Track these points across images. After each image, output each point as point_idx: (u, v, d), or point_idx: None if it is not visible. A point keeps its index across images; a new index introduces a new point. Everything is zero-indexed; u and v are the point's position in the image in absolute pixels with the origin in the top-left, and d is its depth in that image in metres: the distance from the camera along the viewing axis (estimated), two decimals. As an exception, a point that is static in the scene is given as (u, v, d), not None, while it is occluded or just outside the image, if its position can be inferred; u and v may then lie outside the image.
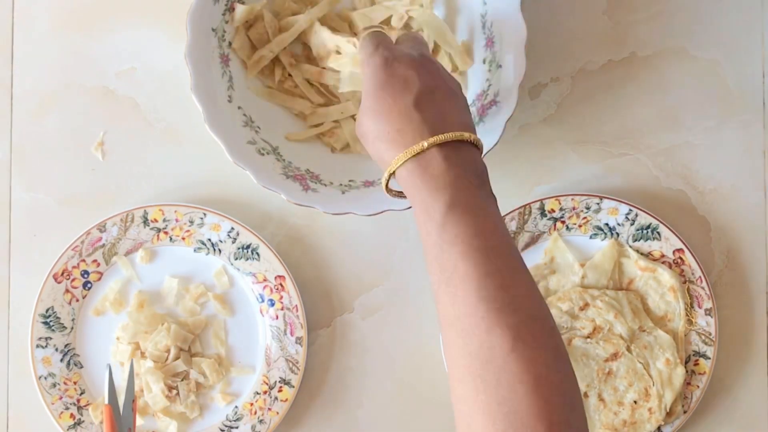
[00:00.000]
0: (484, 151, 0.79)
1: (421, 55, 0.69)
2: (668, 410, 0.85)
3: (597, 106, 0.88)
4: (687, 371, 0.86)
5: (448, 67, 0.85)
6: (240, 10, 0.82)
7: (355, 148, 0.85)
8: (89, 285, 0.86)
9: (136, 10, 0.88)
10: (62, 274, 0.85)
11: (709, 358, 0.86)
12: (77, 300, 0.85)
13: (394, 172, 0.65)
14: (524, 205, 0.85)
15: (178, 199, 0.87)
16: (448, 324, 0.60)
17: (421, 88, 0.66)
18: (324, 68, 0.85)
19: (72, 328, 0.85)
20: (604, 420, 0.85)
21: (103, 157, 0.88)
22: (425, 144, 0.64)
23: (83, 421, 0.84)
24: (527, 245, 0.86)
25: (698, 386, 0.86)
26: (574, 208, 0.86)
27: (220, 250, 0.86)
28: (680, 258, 0.86)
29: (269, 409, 0.85)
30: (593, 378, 0.85)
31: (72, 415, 0.84)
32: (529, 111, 0.88)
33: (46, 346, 0.84)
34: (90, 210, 0.87)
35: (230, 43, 0.83)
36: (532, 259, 0.86)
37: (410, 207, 0.79)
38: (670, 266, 0.86)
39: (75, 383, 0.85)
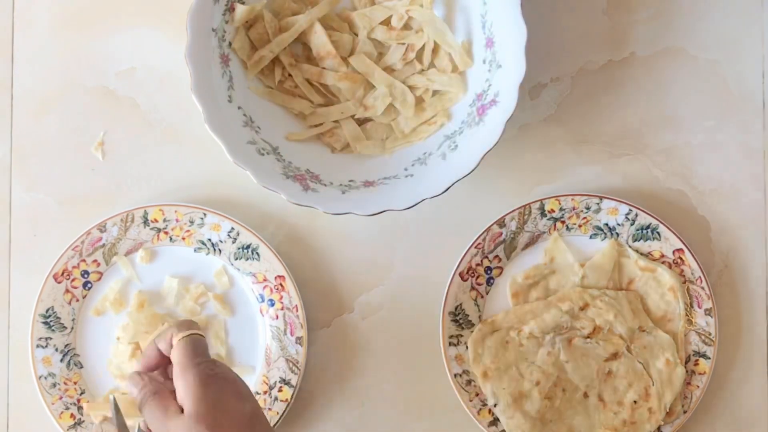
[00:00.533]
0: (485, 151, 0.79)
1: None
2: (668, 410, 0.85)
3: (597, 106, 0.88)
4: (687, 371, 0.86)
5: (449, 67, 0.85)
6: (240, 10, 0.82)
7: (355, 148, 0.85)
8: (89, 285, 0.86)
9: (136, 10, 0.88)
10: (62, 274, 0.85)
11: (709, 358, 0.86)
12: (77, 300, 0.85)
13: None
14: (524, 205, 0.85)
15: (178, 199, 0.87)
16: None
17: None
18: (324, 68, 0.85)
19: (72, 328, 0.85)
20: (604, 420, 0.85)
21: (103, 157, 0.88)
22: None
23: (83, 421, 0.84)
24: (527, 245, 0.86)
25: (698, 386, 0.86)
26: (574, 208, 0.86)
27: (220, 250, 0.86)
28: (680, 258, 0.86)
29: (269, 409, 0.85)
30: (593, 378, 0.85)
31: (72, 415, 0.84)
32: (529, 111, 0.88)
33: (46, 346, 0.84)
34: (90, 210, 0.87)
35: (230, 43, 0.83)
36: (532, 259, 0.87)
37: (410, 207, 0.79)
38: (670, 266, 0.86)
39: (75, 383, 0.85)
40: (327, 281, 0.87)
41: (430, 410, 0.87)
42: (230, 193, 0.87)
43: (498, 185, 0.88)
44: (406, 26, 0.86)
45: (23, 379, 0.86)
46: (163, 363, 0.72)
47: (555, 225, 0.86)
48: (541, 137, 0.88)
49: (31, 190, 0.87)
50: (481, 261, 0.86)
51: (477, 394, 0.85)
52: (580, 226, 0.86)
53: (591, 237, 0.87)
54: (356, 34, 0.86)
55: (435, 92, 0.86)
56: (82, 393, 0.85)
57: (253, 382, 0.85)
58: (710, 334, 0.86)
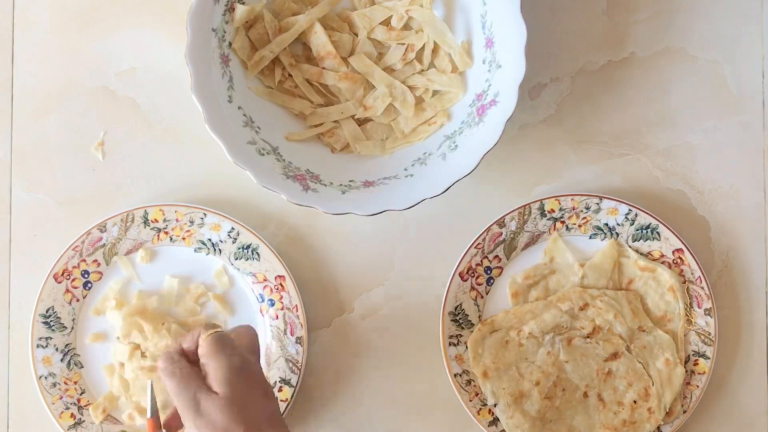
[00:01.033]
0: (485, 151, 0.79)
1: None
2: (668, 410, 0.85)
3: (597, 106, 0.88)
4: (686, 371, 0.86)
5: (448, 68, 0.85)
6: (240, 10, 0.82)
7: (355, 148, 0.85)
8: (89, 285, 0.86)
9: (136, 10, 0.88)
10: (62, 274, 0.85)
11: (709, 358, 0.86)
12: (77, 300, 0.85)
13: None
14: (524, 205, 0.85)
15: (178, 199, 0.87)
16: None
17: None
18: (324, 68, 0.85)
19: (72, 328, 0.85)
20: (604, 420, 0.85)
21: (103, 157, 0.88)
22: None
23: (83, 421, 0.85)
24: (527, 245, 0.86)
25: (698, 386, 0.86)
26: (573, 208, 0.86)
27: (220, 250, 0.86)
28: (680, 258, 0.86)
29: (269, 408, 0.85)
30: (593, 378, 0.85)
31: (72, 415, 0.84)
32: (529, 111, 0.88)
33: (46, 346, 0.84)
34: (90, 210, 0.87)
35: (230, 44, 0.83)
36: (532, 259, 0.87)
37: (410, 207, 0.79)
38: (669, 266, 0.86)
39: (75, 383, 0.85)
40: (327, 281, 0.88)
41: (430, 410, 0.87)
42: (230, 193, 0.87)
43: (498, 185, 0.88)
44: (406, 26, 0.86)
45: (23, 379, 0.86)
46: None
47: (555, 225, 0.86)
48: (540, 137, 0.88)
49: (31, 190, 0.87)
50: (481, 261, 0.86)
51: (477, 394, 0.85)
52: (579, 226, 0.86)
53: (591, 237, 0.87)
54: (356, 34, 0.86)
55: (435, 92, 0.86)
56: (82, 393, 0.85)
57: (253, 382, 0.85)
58: (710, 334, 0.86)
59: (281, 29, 0.84)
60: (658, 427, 0.86)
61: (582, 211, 0.86)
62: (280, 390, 0.85)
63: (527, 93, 0.88)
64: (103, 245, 0.85)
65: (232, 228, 0.85)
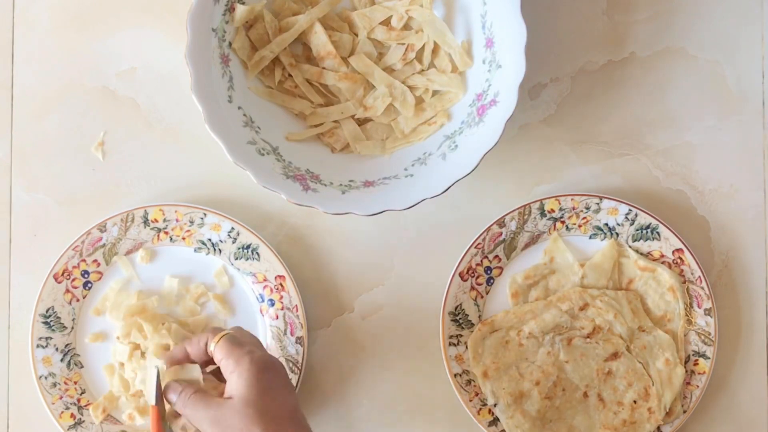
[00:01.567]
0: (485, 151, 0.79)
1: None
2: (668, 410, 0.85)
3: (597, 106, 0.88)
4: (686, 371, 0.86)
5: (448, 68, 0.85)
6: (240, 10, 0.82)
7: (355, 148, 0.85)
8: (89, 285, 0.86)
9: (136, 10, 0.88)
10: (62, 274, 0.85)
11: (709, 358, 0.86)
12: (77, 300, 0.85)
13: None
14: (524, 205, 0.85)
15: (178, 199, 0.87)
16: None
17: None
18: (324, 68, 0.85)
19: (72, 328, 0.85)
20: (604, 420, 0.85)
21: (103, 157, 0.88)
22: None
23: (83, 421, 0.85)
24: (527, 245, 0.86)
25: (698, 386, 0.86)
26: (573, 208, 0.86)
27: (220, 250, 0.86)
28: (680, 258, 0.86)
29: (269, 408, 0.85)
30: (593, 378, 0.85)
31: (72, 415, 0.84)
32: (529, 111, 0.88)
33: (46, 346, 0.84)
34: (90, 210, 0.87)
35: (230, 44, 0.83)
36: (532, 259, 0.87)
37: (410, 207, 0.79)
38: (669, 266, 0.86)
39: (75, 383, 0.85)
40: (327, 281, 0.88)
41: (430, 410, 0.87)
42: (230, 193, 0.87)
43: (498, 185, 0.88)
44: (406, 26, 0.86)
45: (23, 379, 0.86)
46: (188, 362, 0.76)
47: (555, 225, 0.86)
48: (541, 137, 0.88)
49: (31, 190, 0.87)
50: (481, 261, 0.86)
51: (477, 394, 0.85)
52: (579, 226, 0.86)
53: (591, 237, 0.87)
54: (356, 34, 0.86)
55: (435, 92, 0.86)
56: (82, 393, 0.85)
57: (253, 382, 0.85)
58: (710, 334, 0.86)
59: (281, 29, 0.84)
60: (658, 427, 0.85)
61: (582, 211, 0.86)
62: (280, 390, 0.85)
63: (527, 93, 0.88)
64: (103, 245, 0.85)
65: (232, 228, 0.85)
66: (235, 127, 0.81)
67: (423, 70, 0.86)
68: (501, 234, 0.85)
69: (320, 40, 0.84)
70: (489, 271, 0.86)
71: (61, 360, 0.85)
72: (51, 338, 0.85)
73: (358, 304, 0.88)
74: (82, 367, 0.86)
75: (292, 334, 0.85)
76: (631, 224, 0.86)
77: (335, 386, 0.87)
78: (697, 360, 0.86)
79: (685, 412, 0.86)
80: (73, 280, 0.85)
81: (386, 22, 0.85)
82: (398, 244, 0.88)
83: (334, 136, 0.86)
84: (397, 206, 0.79)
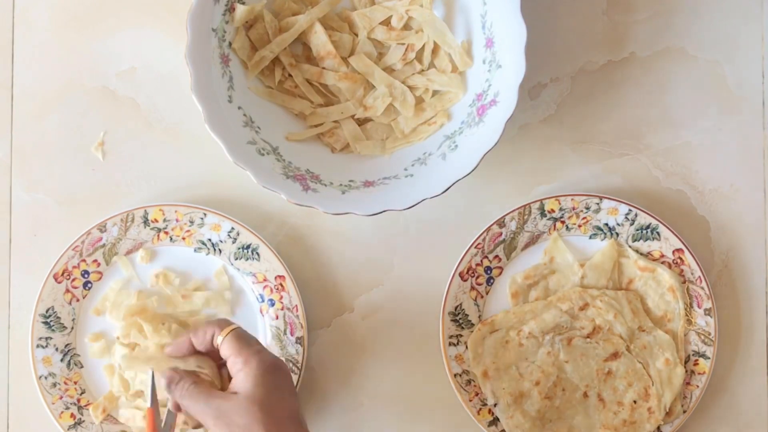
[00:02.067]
0: (485, 151, 0.79)
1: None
2: (668, 410, 0.85)
3: (597, 106, 0.88)
4: (686, 371, 0.86)
5: (448, 67, 0.85)
6: (240, 10, 0.82)
7: (355, 148, 0.85)
8: (89, 285, 0.86)
9: (136, 10, 0.88)
10: (62, 274, 0.85)
11: (709, 358, 0.86)
12: (77, 300, 0.85)
13: None
14: (524, 205, 0.85)
15: (178, 199, 0.87)
16: None
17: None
18: (324, 68, 0.85)
19: (72, 328, 0.85)
20: (604, 420, 0.85)
21: (103, 157, 0.88)
22: None
23: (83, 421, 0.85)
24: (527, 245, 0.86)
25: (698, 386, 0.86)
26: (573, 208, 0.86)
27: (220, 250, 0.86)
28: (680, 258, 0.86)
29: (269, 408, 0.85)
30: (593, 378, 0.85)
31: (72, 415, 0.84)
32: (529, 111, 0.88)
33: (46, 346, 0.84)
34: (90, 210, 0.87)
35: (230, 44, 0.83)
36: (532, 259, 0.87)
37: (410, 207, 0.79)
38: (669, 266, 0.86)
39: (75, 383, 0.85)
40: (327, 281, 0.88)
41: (430, 410, 0.87)
42: (230, 193, 0.87)
43: (498, 185, 0.88)
44: (406, 26, 0.86)
45: (23, 379, 0.86)
46: (192, 355, 0.75)
47: (555, 225, 0.86)
48: (541, 137, 0.88)
49: (31, 190, 0.87)
50: (481, 261, 0.86)
51: (477, 394, 0.85)
52: (579, 226, 0.86)
53: (591, 237, 0.87)
54: (356, 34, 0.86)
55: (435, 92, 0.86)
56: (82, 393, 0.85)
57: (253, 382, 0.85)
58: (710, 334, 0.86)
59: (281, 29, 0.84)
60: (658, 427, 0.86)
61: (582, 211, 0.86)
62: (280, 390, 0.85)
63: (527, 93, 0.88)
64: (103, 245, 0.85)
65: (232, 228, 0.85)
66: (235, 127, 0.81)
67: (423, 70, 0.86)
68: (501, 234, 0.85)
69: (320, 40, 0.84)
70: (489, 271, 0.86)
71: (61, 360, 0.85)
72: (51, 338, 0.85)
73: (358, 304, 0.88)
74: (82, 367, 0.86)
75: (292, 334, 0.85)
76: (631, 224, 0.86)
77: (335, 386, 0.87)
78: (697, 360, 0.86)
79: (685, 412, 0.86)
80: (73, 280, 0.85)
81: (386, 22, 0.85)
82: (398, 244, 0.88)
83: (334, 136, 0.86)
84: (397, 206, 0.79)
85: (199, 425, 0.74)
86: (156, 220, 0.85)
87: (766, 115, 0.89)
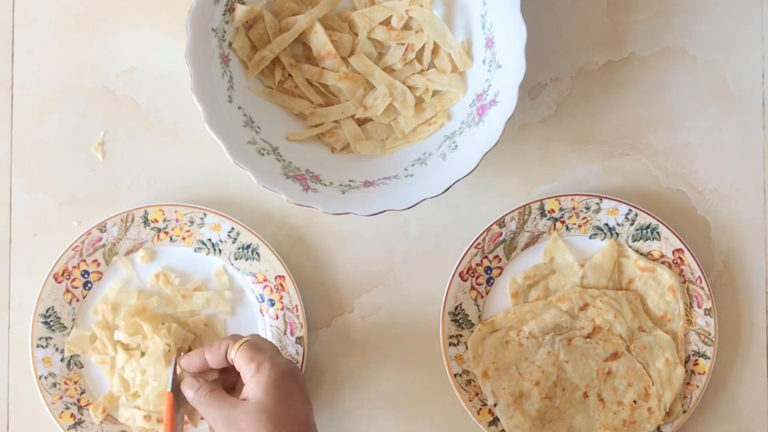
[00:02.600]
0: (485, 151, 0.79)
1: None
2: (668, 410, 0.85)
3: (597, 106, 0.88)
4: (686, 371, 0.86)
5: (448, 68, 0.85)
6: (240, 10, 0.82)
7: (355, 148, 0.85)
8: (89, 285, 0.86)
9: (136, 10, 0.88)
10: (62, 274, 0.85)
11: (709, 358, 0.86)
12: (77, 300, 0.85)
13: None
14: (524, 205, 0.85)
15: (178, 199, 0.87)
16: None
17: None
18: (324, 68, 0.85)
19: (72, 328, 0.85)
20: (604, 420, 0.85)
21: (103, 157, 0.88)
22: None
23: (83, 421, 0.85)
24: (527, 245, 0.86)
25: (698, 386, 0.86)
26: (573, 208, 0.86)
27: (220, 250, 0.86)
28: (680, 258, 0.86)
29: (269, 408, 0.85)
30: (593, 378, 0.85)
31: (72, 415, 0.84)
32: (529, 111, 0.88)
33: (46, 346, 0.84)
34: (90, 210, 0.87)
35: (230, 44, 0.83)
36: (532, 259, 0.87)
37: (410, 207, 0.79)
38: (669, 266, 0.86)
39: (75, 383, 0.85)
40: (327, 281, 0.88)
41: (430, 410, 0.87)
42: (230, 193, 0.87)
43: (498, 185, 0.88)
44: (406, 26, 0.86)
45: (23, 379, 0.86)
46: (205, 371, 0.76)
47: (555, 225, 0.86)
48: (541, 137, 0.88)
49: (31, 190, 0.87)
50: (481, 261, 0.86)
51: (477, 394, 0.85)
52: (579, 226, 0.86)
53: (591, 237, 0.87)
54: (356, 34, 0.86)
55: (435, 92, 0.86)
56: (82, 393, 0.85)
57: (253, 382, 0.85)
58: (710, 334, 0.86)
59: (281, 29, 0.84)
60: (658, 427, 0.86)
61: (582, 211, 0.86)
62: (280, 390, 0.85)
63: (527, 93, 0.88)
64: (103, 245, 0.85)
65: (232, 228, 0.85)
66: (235, 127, 0.81)
67: (423, 70, 0.86)
68: (501, 234, 0.85)
69: (320, 40, 0.84)
70: (489, 271, 0.86)
71: (61, 360, 0.85)
72: (51, 338, 0.85)
73: (358, 304, 0.88)
74: (82, 367, 0.86)
75: (292, 334, 0.85)
76: (631, 224, 0.86)
77: (335, 386, 0.87)
78: (697, 360, 0.86)
79: (685, 412, 0.86)
80: (73, 280, 0.85)
81: (386, 22, 0.85)
82: (398, 244, 0.88)
83: (334, 136, 0.86)
84: (397, 206, 0.79)
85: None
86: (156, 220, 0.85)
87: (766, 115, 0.89)
